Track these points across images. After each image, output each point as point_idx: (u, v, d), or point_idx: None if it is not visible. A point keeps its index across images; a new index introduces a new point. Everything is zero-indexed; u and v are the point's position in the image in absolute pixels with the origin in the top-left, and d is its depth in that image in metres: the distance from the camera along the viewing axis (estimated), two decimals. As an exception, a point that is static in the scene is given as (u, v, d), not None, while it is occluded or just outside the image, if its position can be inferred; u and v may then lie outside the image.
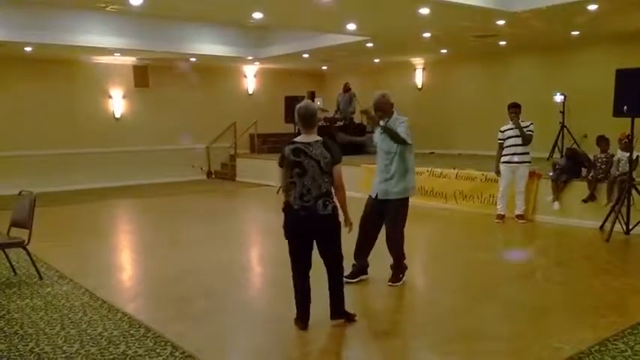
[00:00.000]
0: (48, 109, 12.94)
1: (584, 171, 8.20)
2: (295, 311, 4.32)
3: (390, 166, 5.08)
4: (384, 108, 5.06)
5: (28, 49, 11.14)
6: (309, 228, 4.20)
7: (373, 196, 5.22)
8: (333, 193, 4.25)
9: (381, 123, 5.10)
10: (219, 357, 3.83)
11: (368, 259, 5.38)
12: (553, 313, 4.74)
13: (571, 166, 8.22)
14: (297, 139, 4.27)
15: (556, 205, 8.20)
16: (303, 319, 4.29)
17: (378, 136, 5.23)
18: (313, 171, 4.12)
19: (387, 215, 5.18)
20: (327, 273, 4.36)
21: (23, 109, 12.62)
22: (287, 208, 4.23)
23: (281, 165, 4.26)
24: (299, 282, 4.29)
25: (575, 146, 8.46)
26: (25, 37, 10.38)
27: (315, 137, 4.22)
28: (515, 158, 8.24)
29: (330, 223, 4.21)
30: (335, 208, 4.22)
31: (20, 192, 5.96)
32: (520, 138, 8.13)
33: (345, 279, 4.58)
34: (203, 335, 4.19)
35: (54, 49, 11.33)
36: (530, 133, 8.16)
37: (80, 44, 10.97)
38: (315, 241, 4.27)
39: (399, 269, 5.33)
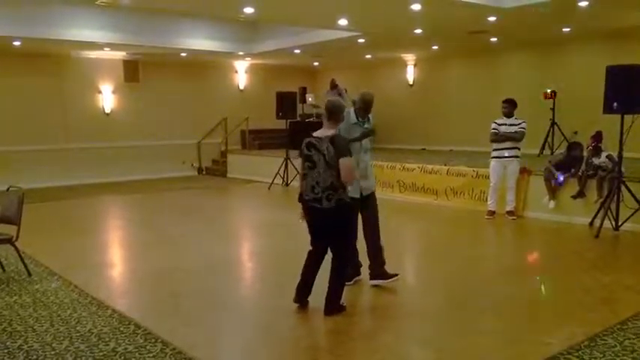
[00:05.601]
0: (37, 105, 12.81)
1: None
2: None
3: (368, 163, 5.15)
4: (369, 107, 5.09)
5: (16, 43, 11.02)
6: (316, 219, 4.42)
7: (357, 196, 4.97)
8: (343, 187, 4.33)
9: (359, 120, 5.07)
10: (209, 353, 3.82)
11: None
12: (543, 309, 4.77)
13: (568, 161, 8.15)
14: (315, 133, 4.45)
15: (552, 204, 8.20)
16: (296, 301, 4.54)
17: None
18: (320, 165, 4.30)
19: (368, 208, 5.10)
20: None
21: (11, 104, 12.49)
22: (301, 199, 4.46)
23: (300, 156, 4.51)
24: (304, 267, 4.53)
25: (576, 140, 8.49)
26: (14, 31, 10.26)
27: (328, 132, 4.36)
28: (506, 153, 8.30)
29: (332, 217, 4.32)
30: (340, 201, 4.30)
31: (8, 188, 5.91)
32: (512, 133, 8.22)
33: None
34: (194, 331, 4.17)
35: (43, 44, 11.20)
36: (523, 130, 8.22)
37: (69, 38, 10.87)
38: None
39: (382, 261, 5.14)
